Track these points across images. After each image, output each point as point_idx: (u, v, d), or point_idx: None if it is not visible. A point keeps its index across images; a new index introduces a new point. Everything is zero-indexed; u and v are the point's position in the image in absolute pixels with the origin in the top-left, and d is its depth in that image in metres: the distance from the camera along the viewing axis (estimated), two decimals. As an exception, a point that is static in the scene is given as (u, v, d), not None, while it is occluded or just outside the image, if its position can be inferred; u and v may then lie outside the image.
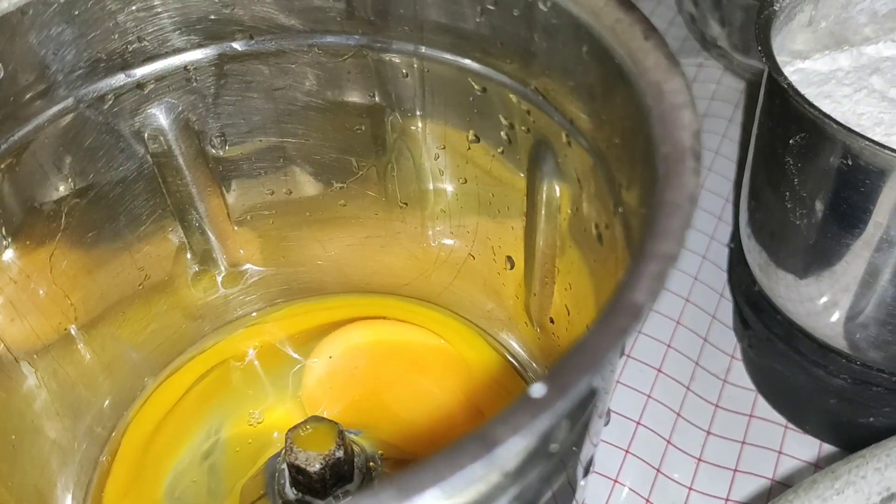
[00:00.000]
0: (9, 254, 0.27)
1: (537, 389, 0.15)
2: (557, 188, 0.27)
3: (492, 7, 0.26)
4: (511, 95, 0.27)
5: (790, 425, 0.37)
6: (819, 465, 0.36)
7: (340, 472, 0.29)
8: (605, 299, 0.23)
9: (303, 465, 0.28)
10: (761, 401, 0.38)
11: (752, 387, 0.39)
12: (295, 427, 0.29)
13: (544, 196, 0.28)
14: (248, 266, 0.35)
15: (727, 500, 0.35)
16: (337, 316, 0.36)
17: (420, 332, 0.36)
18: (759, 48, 0.30)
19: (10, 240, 0.27)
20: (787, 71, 0.32)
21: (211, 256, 0.34)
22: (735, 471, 0.36)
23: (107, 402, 0.32)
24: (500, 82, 0.27)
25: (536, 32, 0.25)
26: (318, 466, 0.28)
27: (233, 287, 0.35)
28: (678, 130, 0.19)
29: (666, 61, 0.20)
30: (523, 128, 0.27)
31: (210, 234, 0.33)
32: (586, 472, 0.23)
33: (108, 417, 0.33)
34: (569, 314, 0.29)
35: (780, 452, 0.36)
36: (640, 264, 0.16)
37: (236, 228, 0.34)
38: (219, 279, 0.35)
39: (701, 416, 0.37)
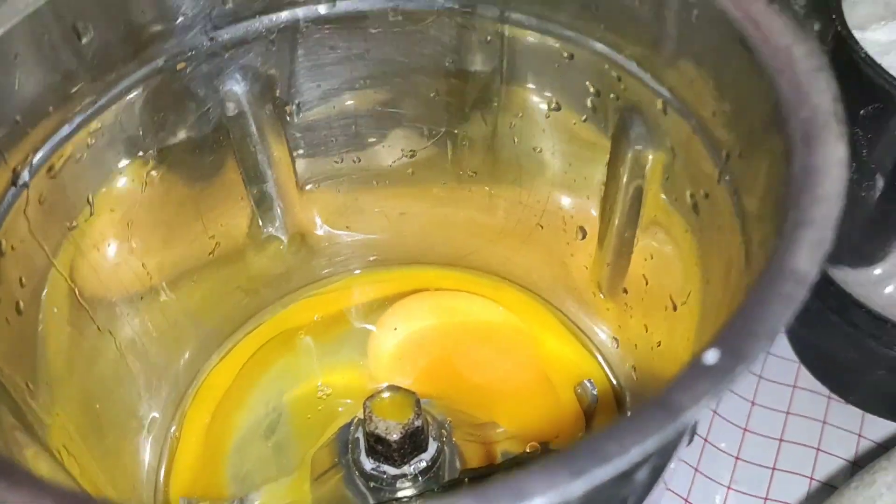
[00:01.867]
0: (92, 220, 0.27)
1: (710, 356, 0.15)
2: (647, 157, 0.27)
3: (587, -30, 0.25)
4: (602, 62, 0.27)
5: (833, 395, 0.37)
6: (862, 435, 0.36)
7: (417, 442, 0.29)
8: (715, 266, 0.23)
9: (382, 434, 0.28)
10: (804, 371, 0.38)
11: (795, 358, 0.39)
12: (372, 396, 0.29)
13: (629, 165, 0.28)
14: (312, 235, 0.35)
15: (773, 468, 0.35)
16: (398, 287, 0.36)
17: (482, 301, 0.36)
18: (834, 19, 0.30)
19: (93, 205, 0.27)
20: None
21: (277, 225, 0.33)
22: (781, 440, 0.36)
23: (175, 375, 0.32)
24: (591, 49, 0.27)
25: (637, -3, 0.24)
26: (397, 436, 0.28)
27: (296, 256, 0.35)
28: (817, 95, 0.18)
29: (793, 24, 0.20)
30: (612, 95, 0.27)
31: (277, 202, 0.33)
32: (690, 440, 0.23)
33: (178, 388, 0.32)
34: (647, 283, 0.29)
35: (824, 422, 0.37)
36: (797, 231, 0.16)
37: (303, 197, 0.33)
38: (283, 248, 0.34)
39: (745, 387, 0.38)
